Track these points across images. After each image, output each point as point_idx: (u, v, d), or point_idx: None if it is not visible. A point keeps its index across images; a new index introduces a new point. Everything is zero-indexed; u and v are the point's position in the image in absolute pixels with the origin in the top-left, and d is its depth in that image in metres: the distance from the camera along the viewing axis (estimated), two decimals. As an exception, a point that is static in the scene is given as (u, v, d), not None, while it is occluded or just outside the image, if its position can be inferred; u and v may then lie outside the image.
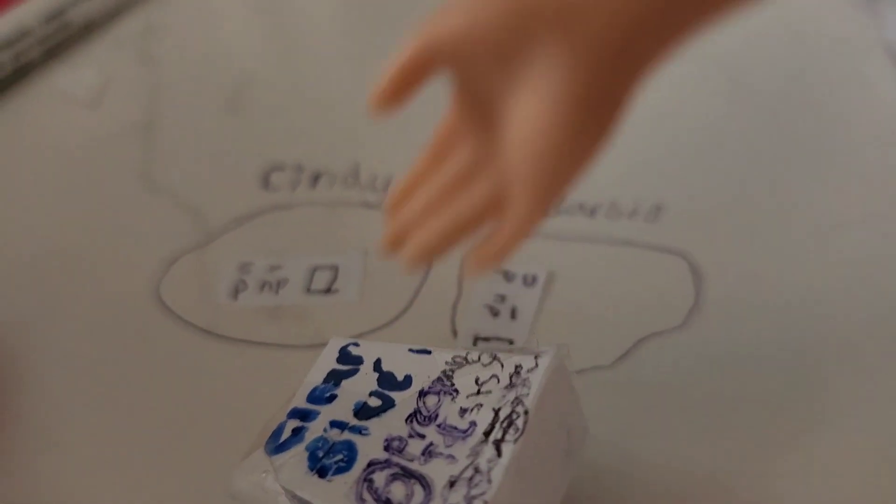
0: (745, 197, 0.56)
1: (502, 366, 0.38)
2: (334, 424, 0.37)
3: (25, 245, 0.57)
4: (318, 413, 0.38)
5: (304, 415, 0.38)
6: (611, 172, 0.57)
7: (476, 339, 0.49)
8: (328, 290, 0.53)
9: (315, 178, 0.60)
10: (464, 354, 0.39)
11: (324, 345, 0.49)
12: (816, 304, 0.49)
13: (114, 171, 0.62)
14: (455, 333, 0.50)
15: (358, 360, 0.40)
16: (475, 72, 0.30)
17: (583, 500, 0.41)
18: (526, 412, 0.36)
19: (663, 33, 0.30)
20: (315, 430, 0.37)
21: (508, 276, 0.52)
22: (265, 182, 0.60)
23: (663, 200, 0.56)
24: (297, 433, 0.37)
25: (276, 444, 0.37)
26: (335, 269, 0.54)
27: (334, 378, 0.40)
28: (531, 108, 0.28)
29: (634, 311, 0.50)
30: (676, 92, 0.62)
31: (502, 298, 0.51)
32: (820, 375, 0.46)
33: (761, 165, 0.58)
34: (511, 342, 0.49)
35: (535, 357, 0.38)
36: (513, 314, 0.50)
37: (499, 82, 0.29)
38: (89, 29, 0.73)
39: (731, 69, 0.64)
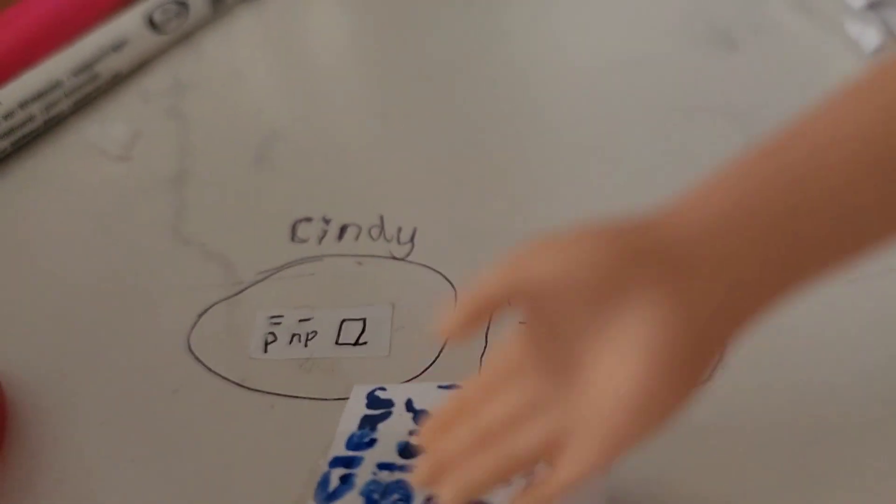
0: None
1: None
2: (382, 467, 0.38)
3: (56, 297, 0.58)
4: (361, 459, 0.38)
5: (347, 462, 0.39)
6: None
7: (504, 392, 0.50)
8: (357, 343, 0.54)
9: (342, 230, 0.61)
10: None
11: (353, 397, 0.50)
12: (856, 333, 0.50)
13: (144, 223, 0.63)
14: (483, 386, 0.51)
15: (388, 404, 0.41)
16: (561, 314, 0.28)
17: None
18: None
19: (768, 292, 0.29)
20: (363, 474, 0.37)
21: (534, 329, 0.53)
22: (293, 234, 0.61)
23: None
24: (346, 480, 0.38)
25: (327, 494, 0.37)
26: (363, 322, 0.55)
27: (369, 423, 0.40)
28: (621, 364, 0.27)
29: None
30: (691, 142, 0.64)
31: (528, 351, 0.52)
32: (865, 407, 0.46)
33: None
34: (538, 395, 0.50)
35: None
36: (539, 367, 0.51)
37: (583, 330, 0.28)
38: (117, 81, 0.75)
39: (744, 120, 0.65)
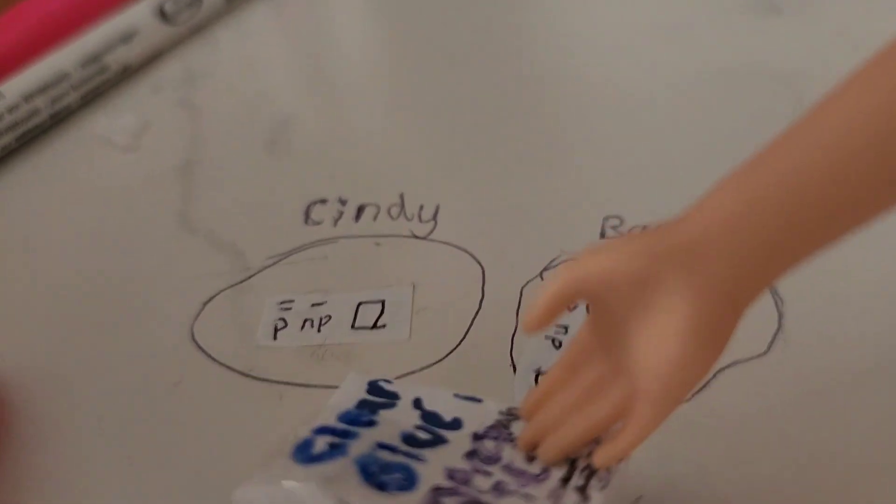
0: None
1: None
2: (383, 447, 0.36)
3: (58, 290, 0.55)
4: (357, 434, 0.36)
5: (340, 433, 0.37)
6: (673, 192, 0.54)
7: (538, 374, 0.45)
8: (374, 326, 0.49)
9: (359, 211, 0.56)
10: (514, 408, 0.39)
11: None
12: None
13: (151, 212, 0.59)
14: (514, 368, 0.45)
15: (393, 396, 0.39)
16: (612, 304, 0.35)
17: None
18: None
19: (772, 274, 0.35)
20: (360, 448, 0.36)
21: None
22: (306, 216, 0.56)
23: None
24: (338, 448, 0.36)
25: (310, 456, 0.35)
26: (381, 304, 0.50)
27: (369, 407, 0.39)
28: (657, 339, 0.34)
29: (712, 339, 0.45)
30: (742, 107, 0.59)
31: (565, 329, 0.47)
32: None
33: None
34: (577, 376, 0.44)
35: None
36: (577, 345, 0.46)
37: (630, 313, 0.34)
38: (127, 74, 0.71)
39: (797, 83, 0.59)
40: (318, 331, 0.49)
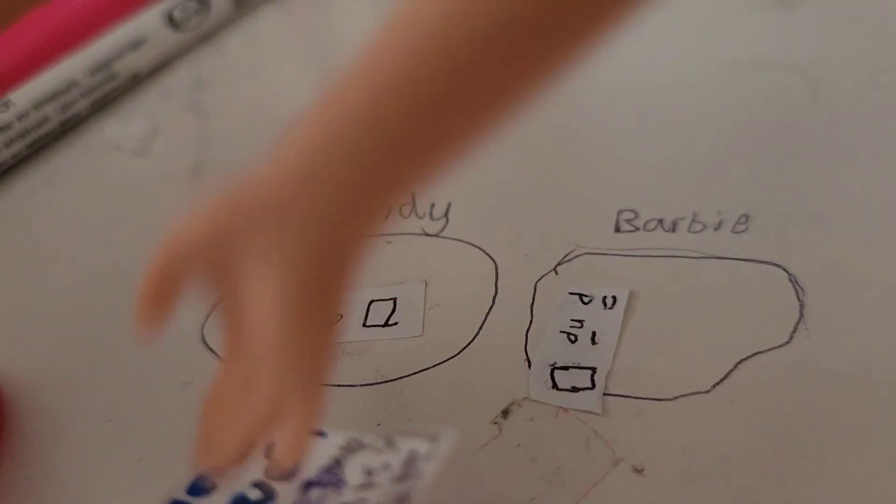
0: (837, 201, 0.50)
1: (397, 452, 0.34)
2: None
3: (67, 294, 0.55)
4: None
5: None
6: (688, 184, 0.53)
7: (553, 369, 0.44)
8: (387, 324, 0.48)
9: (369, 210, 0.55)
10: (359, 438, 0.36)
11: (385, 382, 0.45)
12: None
13: (162, 215, 0.59)
14: (529, 363, 0.45)
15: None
16: (211, 274, 0.31)
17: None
18: None
19: (372, 200, 0.31)
20: None
21: (584, 299, 0.47)
22: (316, 217, 0.56)
23: (750, 210, 0.50)
24: None
25: None
26: (393, 302, 0.49)
27: None
28: (256, 311, 0.30)
29: (732, 330, 0.44)
30: (755, 100, 0.58)
31: (580, 323, 0.46)
32: None
33: (850, 168, 0.52)
34: (594, 370, 0.43)
35: (432, 442, 0.33)
36: (593, 339, 0.45)
37: (233, 283, 0.30)
38: (136, 81, 0.71)
39: (810, 73, 0.58)
40: (330, 329, 0.48)
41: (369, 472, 0.34)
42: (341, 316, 0.32)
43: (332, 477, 0.34)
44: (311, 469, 0.34)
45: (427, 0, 0.32)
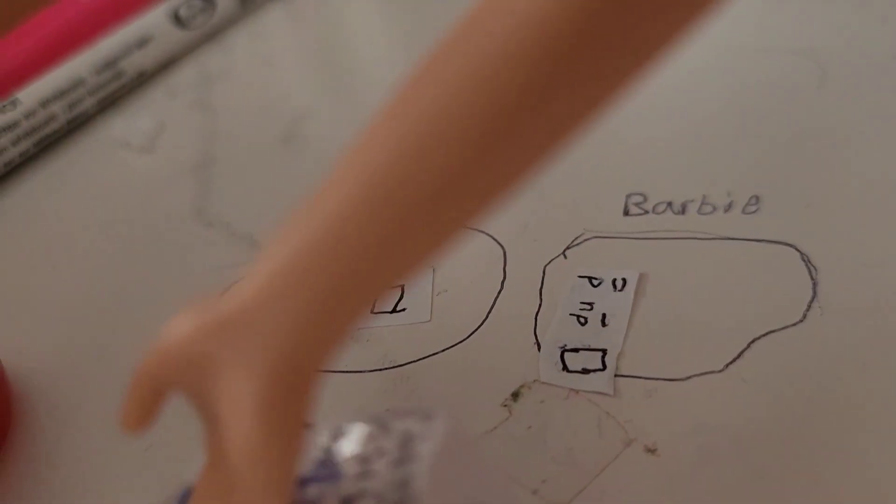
0: (847, 182, 0.49)
1: (390, 435, 0.33)
2: None
3: (74, 289, 0.55)
4: None
5: None
6: (697, 167, 0.52)
7: (563, 351, 0.43)
8: (394, 311, 0.48)
9: (376, 200, 0.55)
10: (343, 427, 0.35)
11: (394, 367, 0.44)
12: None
13: (168, 209, 0.59)
14: (539, 346, 0.44)
15: None
16: (189, 392, 0.32)
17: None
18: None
19: (338, 320, 0.31)
20: None
21: (594, 282, 0.46)
22: (323, 207, 0.55)
23: (760, 191, 0.50)
24: None
25: None
26: (401, 288, 0.49)
27: None
28: (231, 429, 0.30)
29: (745, 310, 0.44)
30: (764, 82, 0.57)
31: (590, 305, 0.45)
32: None
33: (859, 149, 0.51)
34: (605, 352, 0.43)
35: (425, 421, 0.33)
36: (603, 321, 0.44)
37: (210, 401, 0.31)
38: (142, 79, 0.71)
39: (819, 57, 0.58)
40: (338, 317, 0.48)
41: (365, 460, 0.33)
42: (307, 426, 0.32)
43: (327, 470, 0.34)
44: (305, 465, 0.34)
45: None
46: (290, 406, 0.31)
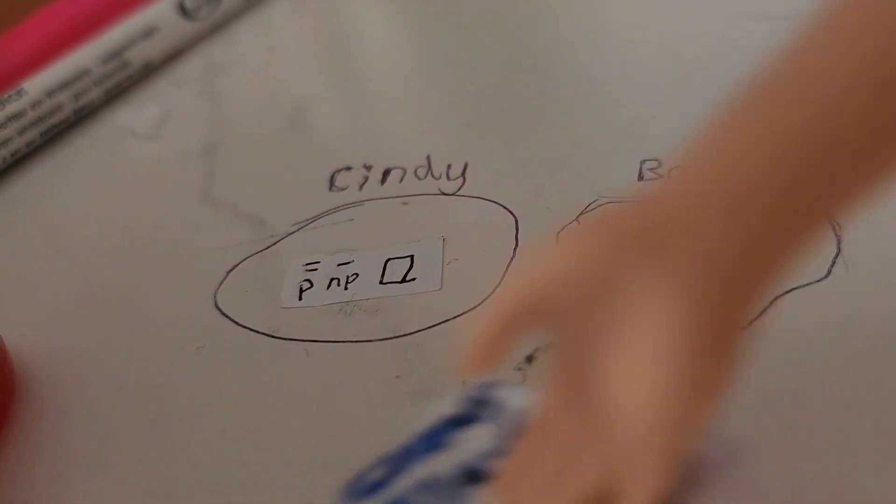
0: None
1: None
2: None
3: (81, 269, 0.54)
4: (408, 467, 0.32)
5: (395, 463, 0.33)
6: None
7: (578, 314, 0.42)
8: (404, 280, 0.46)
9: (384, 175, 0.54)
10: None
11: (404, 336, 0.43)
12: None
13: (175, 192, 0.58)
14: (552, 311, 0.43)
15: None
16: (572, 325, 0.26)
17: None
18: None
19: (775, 257, 0.26)
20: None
21: (609, 246, 0.45)
22: (331, 184, 0.55)
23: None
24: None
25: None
26: (410, 259, 0.47)
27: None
28: (635, 367, 0.25)
29: (766, 267, 0.42)
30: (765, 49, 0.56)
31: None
32: None
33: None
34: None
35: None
36: (618, 283, 0.43)
37: (598, 334, 0.25)
38: (149, 70, 0.71)
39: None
40: (346, 288, 0.47)
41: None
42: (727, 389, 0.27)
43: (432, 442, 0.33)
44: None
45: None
46: (717, 354, 0.25)
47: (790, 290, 0.41)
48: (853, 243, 0.42)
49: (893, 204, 0.43)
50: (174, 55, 0.73)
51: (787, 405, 0.36)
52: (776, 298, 0.41)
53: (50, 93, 0.66)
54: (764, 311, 0.40)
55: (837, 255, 0.42)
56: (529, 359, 0.41)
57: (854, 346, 0.38)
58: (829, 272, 0.41)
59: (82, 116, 0.67)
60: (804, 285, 0.41)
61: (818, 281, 0.41)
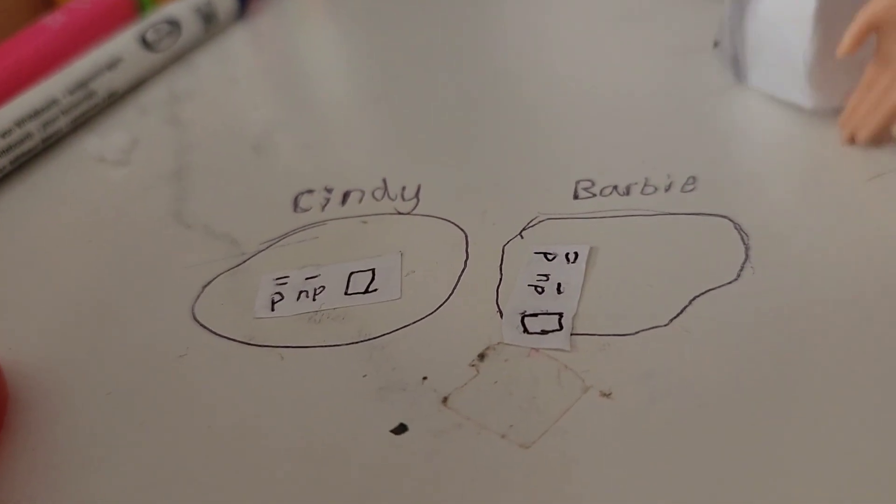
0: (769, 161, 0.55)
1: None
2: None
3: (58, 289, 0.57)
4: None
5: None
6: (638, 155, 0.58)
7: (524, 316, 0.47)
8: (367, 291, 0.51)
9: (344, 197, 0.59)
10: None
11: (369, 340, 0.48)
12: (868, 257, 0.47)
13: (147, 214, 0.62)
14: (501, 314, 0.48)
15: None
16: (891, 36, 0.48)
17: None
18: None
19: None
20: None
21: (549, 257, 0.51)
22: (295, 205, 0.59)
23: (696, 172, 0.55)
24: None
25: None
26: (372, 272, 0.52)
27: None
28: None
29: (686, 272, 0.48)
30: (693, 81, 0.63)
31: (546, 277, 0.50)
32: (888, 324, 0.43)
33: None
34: (561, 315, 0.47)
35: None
36: (558, 289, 0.49)
37: None
38: (114, 99, 0.75)
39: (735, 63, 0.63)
40: (314, 299, 0.51)
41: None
42: None
43: None
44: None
45: None
46: None
47: (706, 292, 0.47)
48: (759, 250, 0.49)
49: (790, 217, 0.50)
50: (138, 85, 0.77)
51: (703, 391, 0.42)
52: (694, 298, 0.47)
53: (19, 122, 0.69)
54: (683, 309, 0.46)
55: (746, 260, 0.48)
56: (481, 356, 0.46)
57: (761, 336, 0.44)
58: (739, 275, 0.48)
59: (51, 144, 0.71)
60: (718, 287, 0.47)
61: (730, 283, 0.47)
